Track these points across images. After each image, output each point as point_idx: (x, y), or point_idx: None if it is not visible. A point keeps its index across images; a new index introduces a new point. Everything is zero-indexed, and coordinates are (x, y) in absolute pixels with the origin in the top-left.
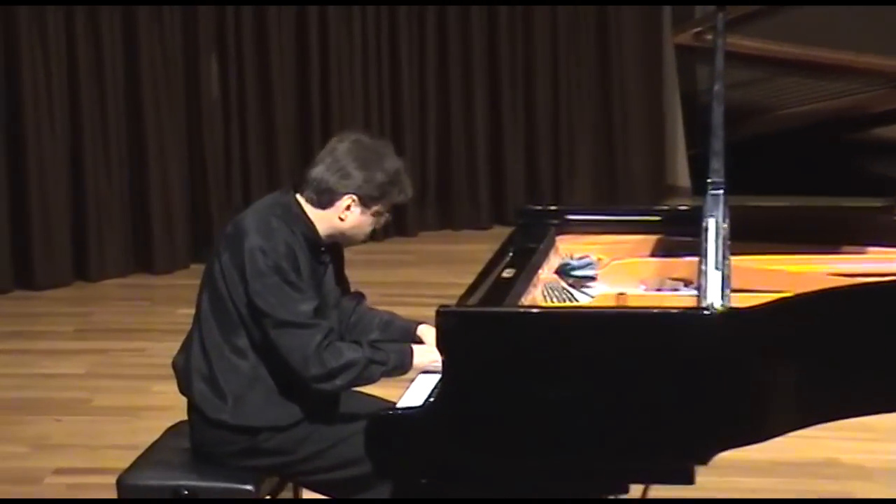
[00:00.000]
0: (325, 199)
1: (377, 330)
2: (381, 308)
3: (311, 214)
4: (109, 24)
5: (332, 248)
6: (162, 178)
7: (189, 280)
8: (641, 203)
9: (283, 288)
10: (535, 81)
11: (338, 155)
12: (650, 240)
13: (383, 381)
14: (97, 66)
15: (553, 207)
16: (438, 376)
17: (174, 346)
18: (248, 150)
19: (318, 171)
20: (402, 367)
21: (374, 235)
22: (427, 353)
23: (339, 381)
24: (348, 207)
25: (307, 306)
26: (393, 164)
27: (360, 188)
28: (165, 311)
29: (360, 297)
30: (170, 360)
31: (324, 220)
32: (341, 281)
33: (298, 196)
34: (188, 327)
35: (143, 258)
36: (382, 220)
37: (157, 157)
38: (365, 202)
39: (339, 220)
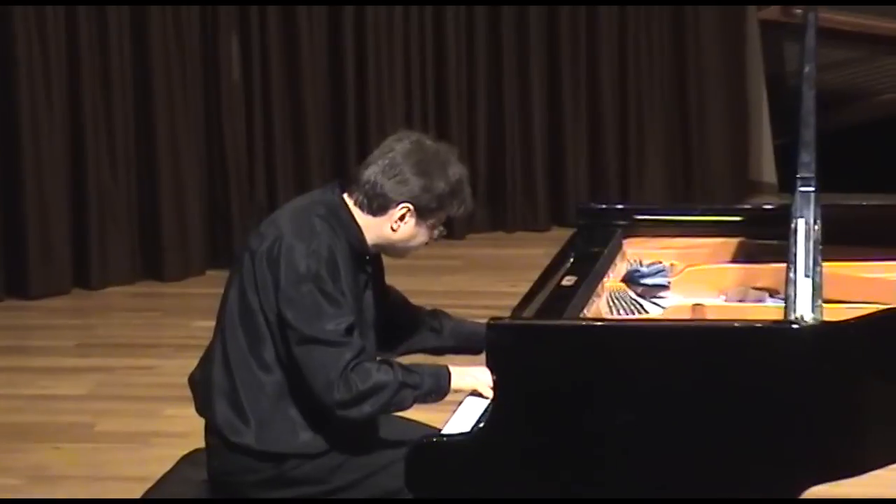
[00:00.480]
0: (376, 205)
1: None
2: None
3: (359, 219)
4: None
5: (374, 258)
6: (174, 173)
7: (204, 288)
8: (720, 201)
9: (316, 298)
10: (599, 65)
11: (395, 157)
12: (731, 243)
13: (427, 405)
14: (101, 46)
15: (620, 206)
16: (484, 401)
17: (187, 363)
18: (274, 141)
19: (371, 173)
20: (437, 391)
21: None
22: (465, 376)
23: (367, 408)
24: (402, 217)
25: (340, 324)
26: (456, 172)
27: (418, 197)
28: (178, 323)
29: (439, 313)
30: (183, 380)
31: (373, 228)
32: (383, 294)
33: (346, 196)
34: (204, 342)
35: (152, 264)
36: (436, 233)
37: (169, 149)
38: (421, 213)
39: (390, 231)
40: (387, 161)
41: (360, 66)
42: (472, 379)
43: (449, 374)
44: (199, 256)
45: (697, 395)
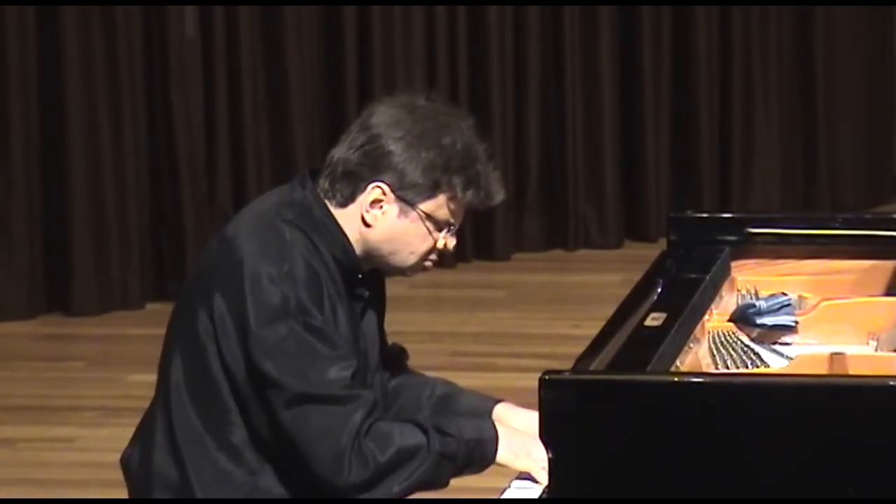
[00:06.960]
0: (344, 190)
1: (427, 409)
2: (444, 376)
3: (339, 218)
4: None
5: (372, 277)
6: (92, 166)
7: (143, 328)
8: (850, 204)
9: (304, 339)
10: (691, 33)
11: (372, 123)
12: (885, 267)
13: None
14: None
15: (727, 215)
16: (537, 487)
17: (120, 434)
18: (242, 120)
19: (339, 149)
20: (480, 460)
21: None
22: (519, 454)
23: (395, 487)
24: (377, 203)
25: (341, 370)
26: (459, 138)
27: (397, 171)
28: (106, 377)
29: (399, 352)
30: (113, 457)
31: (347, 227)
32: (381, 327)
33: (321, 190)
34: (143, 404)
35: (65, 293)
36: (443, 235)
37: (85, 133)
38: (404, 195)
39: (363, 224)
40: (359, 132)
41: (363, 21)
42: (526, 458)
43: (497, 438)
44: (135, 285)
45: (835, 483)
